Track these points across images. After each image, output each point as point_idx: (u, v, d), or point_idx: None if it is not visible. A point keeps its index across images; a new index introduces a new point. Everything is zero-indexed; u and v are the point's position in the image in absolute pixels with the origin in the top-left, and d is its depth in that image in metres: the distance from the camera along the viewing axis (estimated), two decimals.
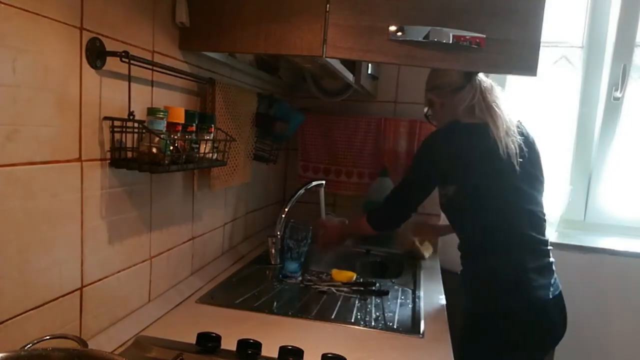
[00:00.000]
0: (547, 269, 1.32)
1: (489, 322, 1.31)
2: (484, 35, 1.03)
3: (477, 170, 1.30)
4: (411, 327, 1.17)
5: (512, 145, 1.28)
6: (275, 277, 1.48)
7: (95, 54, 0.85)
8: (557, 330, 1.34)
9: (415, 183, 1.42)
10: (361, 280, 1.50)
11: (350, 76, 1.58)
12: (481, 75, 1.39)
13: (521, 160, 1.29)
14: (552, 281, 1.31)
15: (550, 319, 1.31)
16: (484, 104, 1.34)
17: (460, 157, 1.32)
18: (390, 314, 1.24)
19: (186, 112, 1.00)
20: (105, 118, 0.89)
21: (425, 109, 1.49)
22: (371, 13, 1.04)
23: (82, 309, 0.88)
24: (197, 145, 1.05)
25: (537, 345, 1.34)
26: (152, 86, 1.04)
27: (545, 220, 1.36)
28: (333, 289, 1.39)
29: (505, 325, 1.29)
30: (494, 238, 1.33)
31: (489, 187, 1.31)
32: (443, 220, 1.73)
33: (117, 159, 0.91)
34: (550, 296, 1.29)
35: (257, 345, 0.91)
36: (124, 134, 0.92)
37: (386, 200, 1.48)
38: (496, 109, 1.32)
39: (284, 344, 0.91)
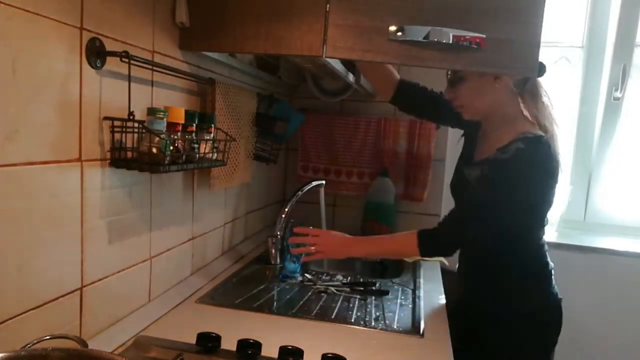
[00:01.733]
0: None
1: (515, 319, 1.26)
2: (484, 35, 1.03)
3: (550, 187, 1.21)
4: (411, 327, 1.17)
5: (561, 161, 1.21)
6: (275, 277, 1.48)
7: (95, 54, 0.85)
8: (559, 328, 1.34)
9: (508, 209, 1.17)
10: (361, 280, 1.50)
11: (350, 76, 1.58)
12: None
13: None
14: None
15: (559, 317, 1.31)
16: (550, 112, 1.22)
17: (551, 178, 1.19)
18: (390, 314, 1.24)
19: (186, 112, 1.00)
20: (105, 118, 0.89)
21: (460, 77, 1.23)
22: (371, 13, 1.04)
23: (82, 309, 0.88)
24: (197, 145, 1.05)
25: (549, 343, 1.33)
26: (152, 86, 1.04)
27: None
28: (333, 289, 1.39)
29: (530, 323, 1.27)
30: (532, 239, 1.27)
31: (546, 200, 1.23)
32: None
33: (117, 159, 0.91)
34: (559, 296, 1.31)
35: (257, 345, 0.91)
36: (124, 134, 0.92)
37: (452, 220, 1.22)
38: (557, 118, 1.23)
39: (284, 344, 0.91)
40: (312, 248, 1.31)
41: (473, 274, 1.37)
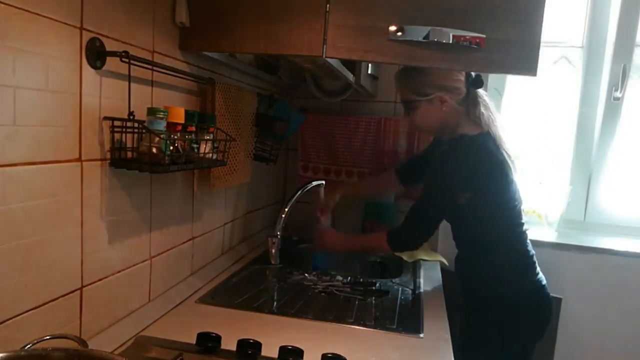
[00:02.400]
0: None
1: (499, 304, 1.40)
2: (484, 35, 1.03)
3: (492, 178, 1.37)
4: (411, 327, 1.17)
5: (508, 152, 1.40)
6: (275, 277, 1.48)
7: (95, 54, 0.85)
8: (549, 314, 1.46)
9: (440, 202, 1.40)
10: (361, 280, 1.50)
11: (350, 76, 1.58)
12: (484, 93, 1.45)
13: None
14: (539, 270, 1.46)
15: (546, 302, 1.44)
16: (489, 114, 1.40)
17: (480, 168, 1.36)
18: (390, 314, 1.24)
19: (186, 112, 1.00)
20: (105, 118, 0.89)
21: (413, 100, 1.41)
22: (371, 13, 1.04)
23: (82, 309, 0.88)
24: (197, 145, 1.05)
25: (537, 328, 1.44)
26: (152, 86, 1.04)
27: None
28: (333, 289, 1.39)
29: (513, 306, 1.39)
30: (500, 231, 1.42)
31: (500, 191, 1.39)
32: None
33: (117, 159, 0.91)
34: (544, 283, 1.44)
35: (257, 345, 0.91)
36: (124, 134, 0.92)
37: (408, 221, 1.43)
38: (498, 118, 1.42)
39: (284, 344, 0.91)
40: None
41: (462, 268, 1.52)
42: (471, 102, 1.41)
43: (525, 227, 1.45)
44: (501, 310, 1.40)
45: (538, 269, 1.45)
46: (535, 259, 1.45)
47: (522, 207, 1.44)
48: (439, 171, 1.41)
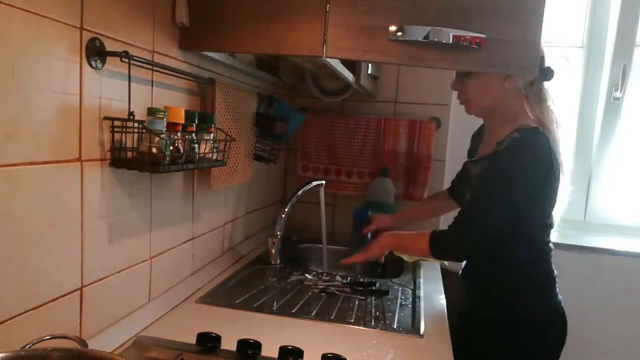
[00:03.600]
0: None
1: (522, 329, 1.25)
2: (484, 35, 1.03)
3: (547, 184, 1.20)
4: (411, 327, 1.17)
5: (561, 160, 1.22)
6: (275, 277, 1.48)
7: (95, 54, 0.85)
8: (565, 335, 1.31)
9: (503, 199, 1.16)
10: (361, 280, 1.50)
11: (350, 76, 1.58)
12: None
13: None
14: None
15: (565, 324, 1.30)
16: (554, 116, 1.24)
17: (544, 168, 1.18)
18: (390, 314, 1.24)
19: (186, 112, 1.00)
20: (105, 118, 0.89)
21: (470, 81, 1.23)
22: (371, 13, 1.04)
23: (82, 309, 0.88)
24: (197, 145, 1.05)
25: (557, 350, 1.30)
26: (152, 86, 1.04)
27: None
28: (333, 289, 1.39)
29: (537, 333, 1.26)
30: (531, 247, 1.26)
31: (546, 200, 1.23)
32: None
33: (117, 159, 0.91)
34: (562, 303, 1.30)
35: (257, 345, 0.91)
36: (124, 134, 0.92)
37: (460, 222, 1.21)
38: (560, 121, 1.25)
39: (284, 344, 0.91)
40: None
41: (476, 279, 1.35)
42: (534, 94, 1.23)
43: (552, 245, 1.29)
44: (524, 336, 1.25)
45: (558, 289, 1.29)
46: (557, 280, 1.29)
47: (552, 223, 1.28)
48: (505, 162, 1.16)
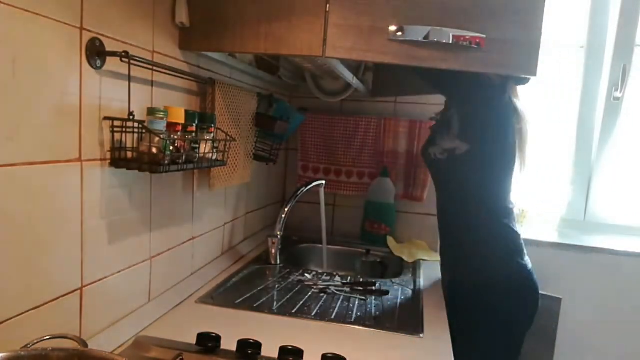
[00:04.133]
0: None
1: (488, 289, 1.36)
2: (484, 35, 1.03)
3: (501, 141, 1.33)
4: (411, 327, 1.17)
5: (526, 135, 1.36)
6: (275, 277, 1.48)
7: (95, 54, 0.85)
8: (537, 300, 1.40)
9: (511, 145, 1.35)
10: (361, 280, 1.50)
11: (350, 76, 1.58)
12: None
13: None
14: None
15: (535, 287, 1.39)
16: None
17: (498, 121, 1.32)
18: (390, 314, 1.24)
19: (186, 112, 1.00)
20: (105, 118, 0.89)
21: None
22: (371, 13, 1.04)
23: (82, 309, 0.88)
24: (197, 145, 1.05)
25: (525, 315, 1.39)
26: (152, 86, 1.04)
27: None
28: (333, 289, 1.39)
29: (503, 293, 1.36)
30: (494, 204, 1.38)
31: (503, 159, 1.36)
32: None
33: (117, 159, 0.91)
34: (530, 267, 1.39)
35: (257, 345, 0.91)
36: (124, 134, 0.92)
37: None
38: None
39: (284, 344, 0.91)
40: None
41: (446, 251, 1.51)
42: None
43: (513, 205, 1.40)
44: (490, 296, 1.37)
45: (525, 252, 1.40)
46: (522, 240, 1.39)
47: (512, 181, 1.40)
48: (494, 107, 1.32)
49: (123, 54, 0.87)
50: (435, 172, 1.45)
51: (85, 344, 0.72)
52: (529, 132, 1.36)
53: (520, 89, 1.40)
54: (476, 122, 1.35)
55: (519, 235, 1.40)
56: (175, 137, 0.97)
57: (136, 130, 0.93)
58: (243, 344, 0.91)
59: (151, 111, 0.92)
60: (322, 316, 1.19)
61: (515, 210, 1.43)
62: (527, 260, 1.39)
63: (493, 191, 1.37)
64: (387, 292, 1.40)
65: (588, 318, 1.94)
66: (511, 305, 1.37)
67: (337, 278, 1.50)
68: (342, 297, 1.34)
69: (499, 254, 1.38)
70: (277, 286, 1.40)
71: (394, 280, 1.53)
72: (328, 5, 1.05)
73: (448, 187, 1.45)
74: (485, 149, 1.32)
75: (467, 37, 1.03)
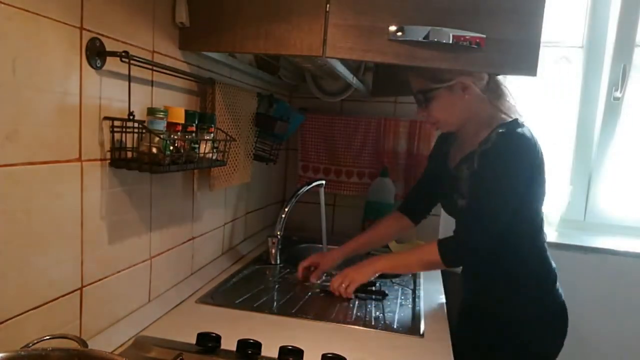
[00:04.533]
0: None
1: (520, 324, 1.26)
2: (484, 35, 1.03)
3: (538, 176, 1.20)
4: (411, 327, 1.17)
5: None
6: (275, 277, 1.48)
7: (95, 54, 0.85)
8: (566, 330, 1.32)
9: (504, 199, 1.16)
10: None
11: (350, 76, 1.58)
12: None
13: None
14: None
15: (566, 318, 1.31)
16: (514, 106, 1.23)
17: (535, 161, 1.18)
18: (390, 314, 1.24)
19: (186, 112, 1.00)
20: (105, 118, 0.89)
21: (430, 89, 1.22)
22: (371, 13, 1.04)
23: (82, 309, 0.88)
24: (197, 145, 1.05)
25: (557, 347, 1.31)
26: (152, 86, 1.04)
27: None
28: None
29: (536, 329, 1.26)
30: (528, 240, 1.26)
31: (538, 191, 1.23)
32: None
33: (117, 159, 0.91)
34: (563, 298, 1.31)
35: (257, 345, 0.91)
36: (124, 134, 0.92)
37: (464, 226, 1.21)
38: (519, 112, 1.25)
39: (284, 344, 0.91)
40: (344, 286, 1.30)
41: (478, 277, 1.35)
42: (494, 91, 1.23)
43: (546, 239, 1.29)
44: (523, 332, 1.26)
45: (559, 284, 1.30)
46: (558, 275, 1.29)
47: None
48: (499, 156, 1.15)
49: (123, 54, 0.87)
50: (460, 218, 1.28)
51: (85, 344, 0.72)
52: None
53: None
54: (477, 179, 1.21)
55: (554, 271, 1.29)
56: (175, 137, 0.97)
57: (136, 130, 0.93)
58: (243, 344, 0.91)
59: (151, 111, 0.92)
60: (322, 316, 1.19)
61: None
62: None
63: (529, 231, 1.25)
64: (386, 294, 1.39)
65: (588, 318, 1.94)
66: (547, 339, 1.28)
67: None
68: (342, 297, 1.34)
69: (535, 286, 1.28)
70: (277, 286, 1.40)
71: (394, 280, 1.53)
72: (328, 5, 1.05)
73: None
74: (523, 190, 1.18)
75: (467, 37, 1.03)
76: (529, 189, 1.18)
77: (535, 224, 1.26)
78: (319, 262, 1.46)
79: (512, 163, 1.16)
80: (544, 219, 1.28)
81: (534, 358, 1.30)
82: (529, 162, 1.17)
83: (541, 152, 1.20)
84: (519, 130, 1.17)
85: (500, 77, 1.26)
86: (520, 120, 1.21)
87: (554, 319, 1.29)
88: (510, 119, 1.21)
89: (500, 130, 1.17)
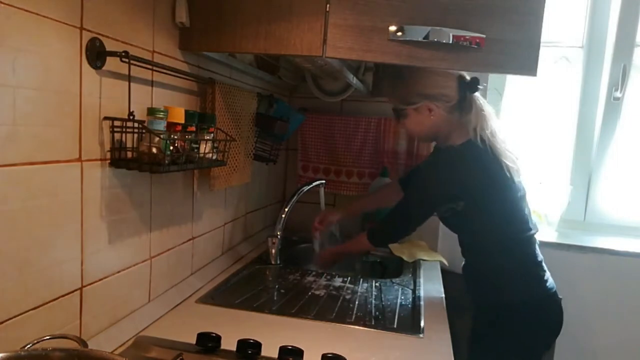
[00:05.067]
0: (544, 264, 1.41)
1: (507, 313, 1.36)
2: (484, 35, 1.03)
3: (484, 186, 1.33)
4: (411, 327, 1.17)
5: (513, 165, 1.34)
6: (275, 277, 1.48)
7: (95, 54, 0.85)
8: (559, 324, 1.41)
9: (430, 199, 1.39)
10: (361, 280, 1.50)
11: (350, 76, 1.58)
12: (480, 98, 1.38)
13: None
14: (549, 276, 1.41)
15: (557, 311, 1.39)
16: (481, 120, 1.34)
17: (466, 179, 1.32)
18: (390, 314, 1.24)
19: (186, 112, 1.00)
20: (105, 118, 0.89)
21: (401, 108, 1.40)
22: (371, 13, 1.04)
23: (82, 309, 0.88)
24: (197, 145, 1.05)
25: (545, 339, 1.39)
26: (152, 86, 1.04)
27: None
28: (333, 289, 1.39)
29: (521, 316, 1.35)
30: (502, 238, 1.37)
31: (495, 197, 1.35)
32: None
33: (117, 159, 0.91)
34: (554, 290, 1.39)
35: (257, 345, 0.91)
36: (124, 134, 0.92)
37: (392, 216, 1.44)
38: (492, 123, 1.36)
39: (284, 344, 0.91)
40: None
41: (469, 272, 1.48)
42: (466, 108, 1.35)
43: (532, 231, 1.39)
44: (509, 320, 1.36)
45: (547, 274, 1.39)
46: (544, 264, 1.39)
47: (529, 212, 1.40)
48: (420, 183, 1.42)
49: (123, 54, 0.87)
50: (447, 225, 1.47)
51: (85, 344, 0.72)
52: (505, 151, 1.34)
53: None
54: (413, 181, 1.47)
55: (539, 263, 1.40)
56: (175, 137, 0.97)
57: (136, 130, 0.93)
58: (243, 344, 0.91)
59: (151, 111, 0.92)
60: (322, 316, 1.19)
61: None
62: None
63: (504, 229, 1.37)
64: (387, 293, 1.40)
65: (588, 318, 1.94)
66: (536, 332, 1.38)
67: (337, 278, 1.50)
68: (342, 297, 1.34)
69: (522, 278, 1.38)
70: (277, 286, 1.40)
71: (394, 280, 1.53)
72: (328, 5, 1.05)
73: (462, 235, 1.47)
74: (478, 198, 1.33)
75: (467, 37, 1.03)
76: (482, 198, 1.33)
77: (506, 223, 1.37)
78: (327, 215, 1.70)
79: (425, 187, 1.40)
80: (535, 215, 1.39)
81: (520, 347, 1.37)
82: (451, 184, 1.33)
83: (477, 167, 1.32)
84: (444, 157, 1.37)
85: (477, 95, 1.38)
86: (479, 138, 1.32)
87: (540, 307, 1.37)
88: (457, 142, 1.35)
89: (428, 159, 1.50)
